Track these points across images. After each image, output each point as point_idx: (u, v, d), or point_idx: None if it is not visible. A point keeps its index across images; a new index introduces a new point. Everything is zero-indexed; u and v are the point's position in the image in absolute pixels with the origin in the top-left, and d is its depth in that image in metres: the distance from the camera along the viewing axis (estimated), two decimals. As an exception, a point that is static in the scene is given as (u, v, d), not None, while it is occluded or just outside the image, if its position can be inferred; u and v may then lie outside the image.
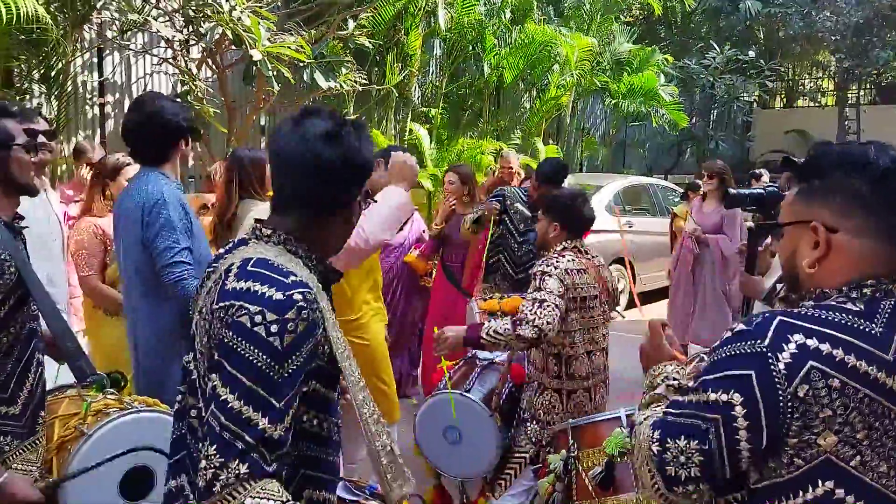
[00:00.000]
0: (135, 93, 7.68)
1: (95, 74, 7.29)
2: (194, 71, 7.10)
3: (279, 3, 7.69)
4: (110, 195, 3.32)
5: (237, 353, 1.21)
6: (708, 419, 1.17)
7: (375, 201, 1.62)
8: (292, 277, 1.27)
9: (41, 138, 1.99)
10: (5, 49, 5.38)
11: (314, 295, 1.28)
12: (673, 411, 1.23)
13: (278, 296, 1.23)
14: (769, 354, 1.14)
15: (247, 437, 1.18)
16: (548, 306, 2.51)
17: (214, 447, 1.18)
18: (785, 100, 18.12)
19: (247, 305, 1.22)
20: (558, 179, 4.31)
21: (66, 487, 1.89)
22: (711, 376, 1.20)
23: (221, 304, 1.25)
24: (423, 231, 5.19)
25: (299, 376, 1.24)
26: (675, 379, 1.43)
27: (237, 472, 1.16)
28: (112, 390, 2.13)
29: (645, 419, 1.29)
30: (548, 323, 2.48)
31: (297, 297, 1.24)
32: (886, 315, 1.18)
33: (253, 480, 1.17)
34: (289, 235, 1.36)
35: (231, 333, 1.22)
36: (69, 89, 6.61)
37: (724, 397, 1.15)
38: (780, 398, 1.13)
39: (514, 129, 10.64)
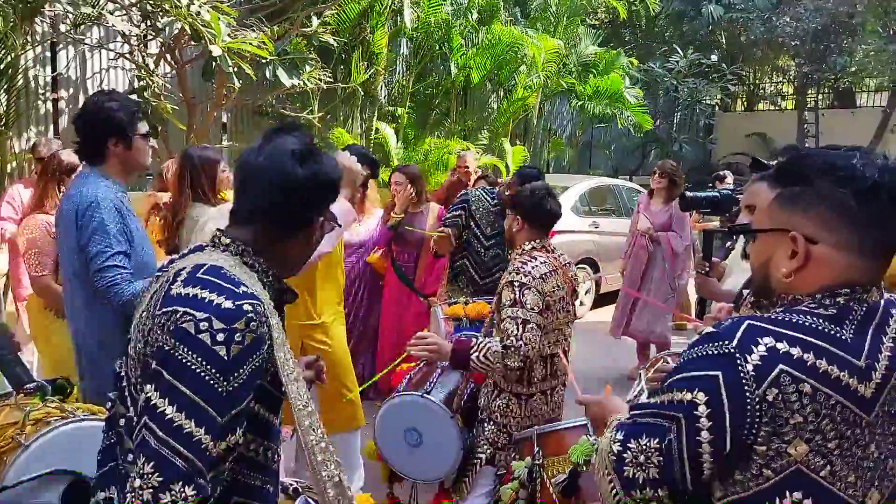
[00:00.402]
0: (90, 88, 7.45)
1: (48, 69, 7.04)
2: (152, 66, 6.90)
3: (241, -1, 7.54)
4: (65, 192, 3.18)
5: (178, 361, 1.14)
6: (670, 417, 1.13)
7: (340, 225, 1.55)
8: (243, 288, 1.21)
9: None
10: (-50, 40, 5.15)
11: (265, 309, 1.22)
12: (637, 412, 1.19)
13: (227, 304, 1.17)
14: (737, 356, 1.10)
15: (190, 457, 1.10)
16: (531, 329, 2.44)
17: (151, 464, 1.10)
18: (746, 103, 18.47)
19: (192, 312, 1.16)
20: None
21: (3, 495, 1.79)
22: (677, 377, 1.15)
23: (164, 310, 1.18)
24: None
25: (244, 393, 1.17)
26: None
27: (183, 495, 1.09)
28: (54, 398, 2.01)
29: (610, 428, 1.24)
30: (533, 348, 2.43)
31: (247, 307, 1.18)
32: (857, 321, 1.14)
33: (193, 501, 1.09)
34: (247, 247, 1.32)
35: (173, 340, 1.15)
36: (20, 83, 6.37)
37: (688, 396, 1.11)
38: (748, 401, 1.08)
39: (482, 129, 10.62)
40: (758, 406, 1.08)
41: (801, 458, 1.09)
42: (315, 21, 7.36)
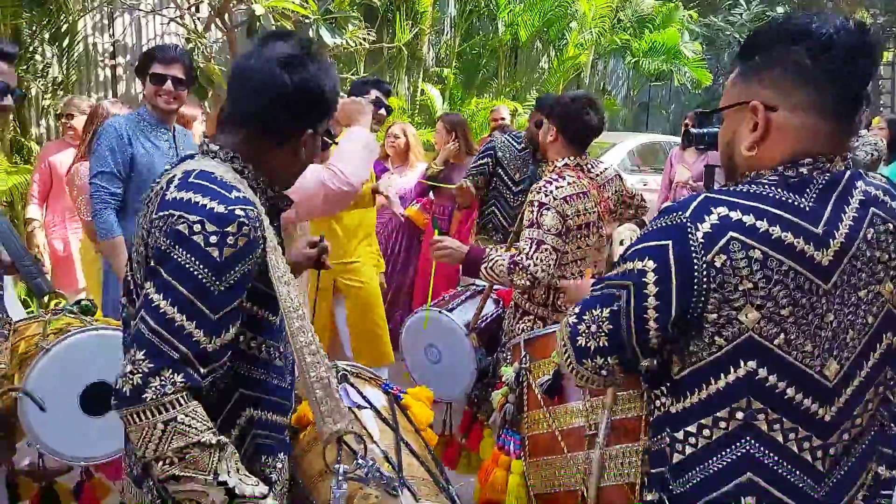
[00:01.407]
0: (146, 54, 7.71)
1: (106, 36, 7.33)
2: (201, 30, 7.10)
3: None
4: None
5: (174, 260, 1.18)
6: (620, 286, 1.16)
7: (336, 143, 1.58)
8: (235, 193, 1.24)
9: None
10: (11, 7, 5.42)
11: (257, 213, 1.25)
12: (595, 286, 1.22)
13: (220, 209, 1.20)
14: (689, 225, 1.10)
15: (181, 347, 1.16)
16: (545, 249, 2.37)
17: (143, 352, 1.15)
18: (818, 59, 17.49)
19: (186, 215, 1.19)
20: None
21: (27, 404, 1.94)
22: (632, 248, 1.18)
23: (160, 214, 1.23)
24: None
25: (238, 293, 1.22)
26: None
27: (172, 380, 1.14)
28: (74, 311, 2.18)
29: None
30: (542, 270, 2.37)
31: (239, 212, 1.21)
32: (818, 190, 1.12)
33: (188, 393, 1.15)
34: (236, 154, 1.34)
35: (168, 241, 1.19)
36: (80, 50, 6.67)
37: (639, 265, 1.13)
38: (696, 268, 1.09)
39: (531, 89, 10.47)
40: (705, 272, 1.09)
41: (753, 325, 1.09)
42: (358, -21, 7.38)
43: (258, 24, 6.33)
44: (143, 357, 1.15)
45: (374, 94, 3.32)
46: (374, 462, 1.43)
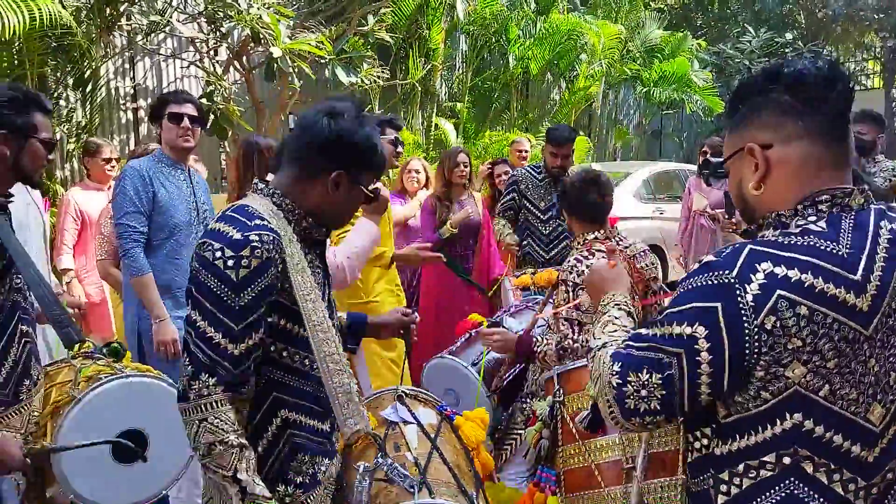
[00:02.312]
0: (166, 97, 7.88)
1: (128, 80, 7.52)
2: (220, 73, 7.27)
3: (302, 2, 7.82)
4: None
5: (201, 282, 1.41)
6: (671, 353, 1.14)
7: (377, 197, 1.69)
8: (256, 221, 1.44)
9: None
10: (38, 55, 5.59)
11: (275, 237, 1.43)
12: (634, 344, 1.20)
13: (237, 235, 1.41)
14: (737, 286, 1.10)
15: (211, 354, 1.39)
16: (587, 331, 2.38)
17: (188, 359, 1.41)
18: (829, 83, 17.51)
19: (212, 242, 1.42)
20: (569, 138, 4.41)
21: (61, 453, 1.96)
22: (676, 308, 1.16)
23: (199, 242, 1.46)
24: None
25: (256, 306, 1.41)
26: (625, 304, 1.41)
27: (207, 382, 1.38)
28: (101, 357, 2.19)
29: (603, 346, 1.27)
30: (588, 329, 2.38)
31: (254, 237, 1.41)
32: (850, 234, 1.13)
33: (223, 398, 1.38)
34: (276, 189, 1.54)
35: (197, 265, 1.43)
36: (102, 95, 6.84)
37: (689, 330, 1.12)
38: (747, 332, 1.09)
39: (543, 120, 10.56)
40: (756, 336, 1.09)
41: (799, 379, 1.09)
42: (371, 19, 7.54)
43: (276, 65, 6.48)
44: (187, 364, 1.41)
45: (391, 133, 3.38)
46: (394, 462, 1.64)
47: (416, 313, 4.68)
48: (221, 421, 1.37)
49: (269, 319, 1.46)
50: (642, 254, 2.63)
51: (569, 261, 2.52)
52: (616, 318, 1.37)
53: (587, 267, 2.43)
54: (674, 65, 11.02)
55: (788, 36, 13.91)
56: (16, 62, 5.62)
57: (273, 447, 1.50)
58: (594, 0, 11.15)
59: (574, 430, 1.77)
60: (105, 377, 2.09)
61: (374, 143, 1.56)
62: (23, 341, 1.95)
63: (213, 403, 1.38)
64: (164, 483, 2.15)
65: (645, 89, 11.38)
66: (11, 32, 4.61)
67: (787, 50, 13.59)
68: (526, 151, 5.53)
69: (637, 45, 11.37)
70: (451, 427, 1.89)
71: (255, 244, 1.40)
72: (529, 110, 10.52)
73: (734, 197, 1.29)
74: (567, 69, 10.31)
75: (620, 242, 2.62)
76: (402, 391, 1.96)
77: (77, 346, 2.27)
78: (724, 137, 1.32)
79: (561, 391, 1.86)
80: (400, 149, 3.43)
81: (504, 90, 10.10)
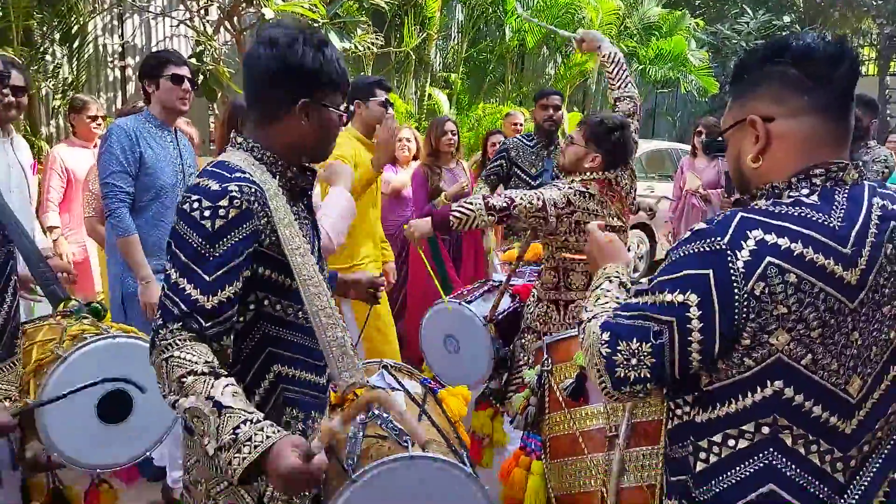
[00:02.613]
0: (155, 56, 7.75)
1: (116, 37, 7.37)
2: (211, 33, 7.13)
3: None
4: None
5: (178, 233, 1.37)
6: (661, 321, 1.14)
7: (348, 112, 1.59)
8: (237, 174, 1.39)
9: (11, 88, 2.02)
10: (24, 7, 5.46)
11: (256, 189, 1.39)
12: (624, 313, 1.20)
13: (214, 186, 1.36)
14: (728, 252, 1.10)
15: (181, 305, 1.32)
16: (533, 195, 2.45)
17: (159, 312, 1.35)
18: (824, 68, 17.47)
19: (189, 195, 1.38)
20: (555, 92, 4.49)
21: (43, 411, 1.93)
22: (668, 276, 1.16)
23: (180, 197, 1.42)
24: None
25: (232, 257, 1.36)
26: (617, 275, 1.40)
27: (172, 329, 1.31)
28: (85, 316, 2.16)
29: (593, 317, 1.27)
30: (522, 199, 2.41)
31: (232, 187, 1.36)
32: (843, 208, 1.13)
33: (184, 334, 1.31)
34: (256, 143, 1.47)
35: (177, 218, 1.38)
36: (90, 51, 6.71)
37: (680, 298, 1.12)
38: (737, 298, 1.09)
39: (538, 95, 10.47)
40: (745, 301, 1.09)
41: (783, 347, 1.10)
42: (367, -16, 7.42)
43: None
44: (158, 316, 1.35)
45: (381, 95, 3.34)
46: (389, 416, 1.57)
47: (406, 284, 4.68)
48: (188, 353, 1.28)
49: (260, 272, 1.42)
50: (631, 190, 2.71)
51: (558, 185, 2.56)
52: (607, 290, 1.36)
53: (576, 193, 2.50)
54: (670, 43, 10.93)
55: (786, 19, 13.84)
56: (0, 14, 5.48)
57: (264, 403, 1.47)
58: (594, -26, 11.00)
59: (560, 399, 1.78)
60: (90, 336, 2.06)
61: (323, 60, 1.45)
62: (14, 296, 1.92)
63: (177, 342, 1.29)
64: (147, 444, 2.13)
65: (641, 67, 11.30)
66: (-3, -18, 4.49)
67: (784, 33, 13.53)
68: (520, 125, 5.48)
69: (635, 21, 11.25)
70: (436, 399, 1.90)
71: (233, 194, 1.35)
72: (524, 84, 10.43)
73: (731, 167, 1.28)
74: (563, 43, 10.21)
75: (620, 184, 2.63)
76: (387, 363, 1.97)
77: (61, 305, 2.24)
78: (718, 118, 1.31)
79: (549, 360, 1.87)
80: (390, 110, 3.39)
81: (499, 62, 10.00)
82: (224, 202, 1.35)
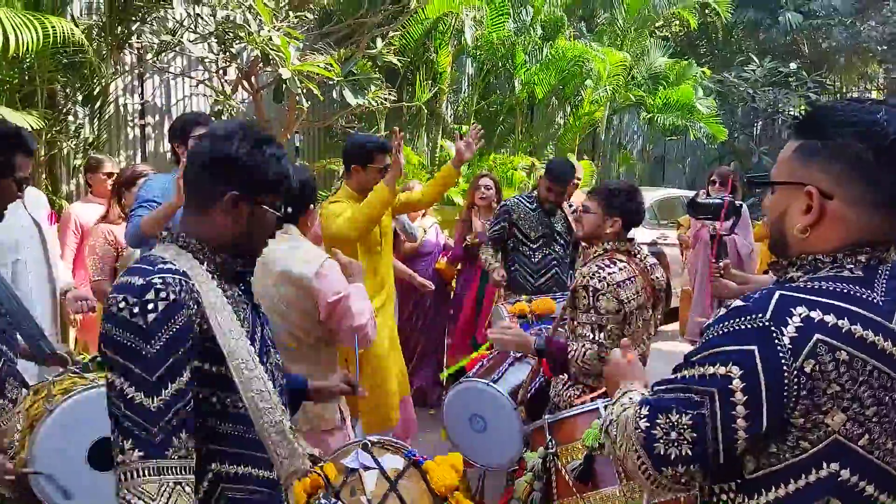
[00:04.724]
0: (174, 114, 7.94)
1: (136, 97, 7.57)
2: (229, 92, 7.31)
3: (313, 25, 7.89)
4: (125, 204, 3.47)
5: (110, 337, 1.31)
6: (702, 392, 1.09)
7: (280, 216, 1.57)
8: (160, 266, 1.36)
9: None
10: (48, 71, 5.63)
11: (181, 279, 1.35)
12: (663, 388, 1.16)
13: (139, 282, 1.33)
14: (773, 328, 1.07)
15: (126, 412, 1.27)
16: (608, 331, 2.46)
17: (113, 425, 1.29)
18: (832, 113, 17.57)
19: (115, 295, 1.33)
20: (568, 177, 4.45)
21: (37, 459, 1.94)
22: (707, 352, 1.12)
23: (106, 300, 1.37)
24: (445, 238, 5.29)
25: (172, 352, 1.30)
26: (639, 394, 1.36)
27: (124, 448, 1.26)
28: (75, 370, 2.19)
29: (626, 403, 1.24)
30: (589, 351, 2.45)
31: (156, 280, 1.33)
32: (884, 282, 1.11)
33: (137, 461, 1.25)
34: (181, 233, 1.47)
35: (105, 323, 1.33)
36: (111, 111, 6.88)
37: (722, 370, 1.08)
38: (786, 375, 1.05)
39: (548, 144, 10.60)
40: (795, 379, 1.06)
41: (839, 427, 1.06)
42: (380, 42, 7.61)
43: (284, 86, 6.51)
44: (114, 430, 1.29)
45: (381, 162, 3.44)
46: (338, 501, 1.57)
47: (425, 332, 4.74)
48: (137, 496, 1.24)
49: (197, 365, 1.36)
50: (654, 265, 2.71)
51: (590, 267, 2.55)
52: (631, 399, 1.33)
53: (609, 274, 2.49)
54: (678, 92, 11.07)
55: (792, 66, 13.99)
56: (27, 78, 5.66)
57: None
58: (600, 28, 11.25)
59: (570, 483, 1.73)
60: (79, 387, 2.08)
61: (261, 158, 1.45)
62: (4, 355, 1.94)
63: (131, 474, 1.25)
64: None
65: (649, 115, 11.43)
66: (24, 49, 4.65)
67: (790, 79, 13.67)
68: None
69: (642, 71, 11.44)
70: (420, 472, 1.84)
71: (158, 286, 1.31)
72: (534, 134, 10.56)
73: (771, 222, 1.24)
74: (572, 94, 10.37)
75: (638, 254, 2.66)
76: (369, 440, 1.95)
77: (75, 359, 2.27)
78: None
79: (553, 442, 1.81)
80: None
81: (509, 114, 10.14)
82: (150, 295, 1.30)
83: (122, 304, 1.31)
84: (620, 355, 1.48)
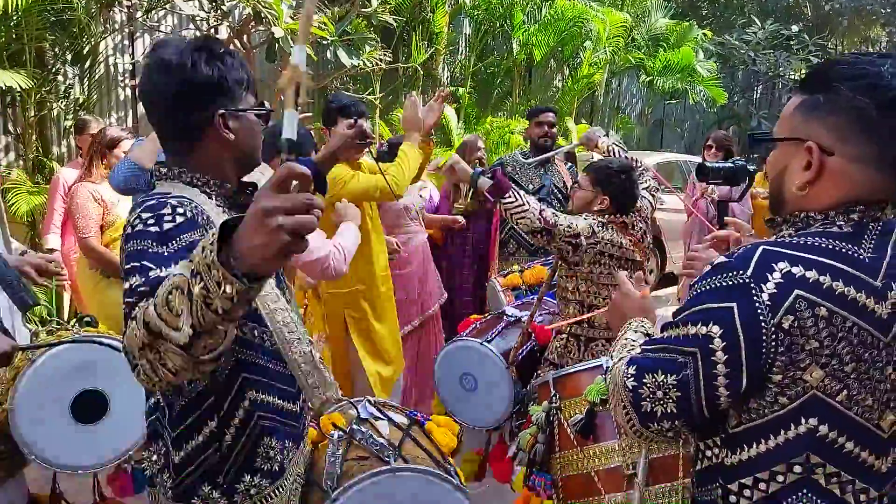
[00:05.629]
0: (165, 74, 7.80)
1: (127, 57, 7.42)
2: (221, 51, 7.18)
3: (305, -17, 7.70)
4: (107, 164, 3.45)
5: (127, 251, 1.23)
6: (685, 353, 1.12)
7: (268, 111, 1.49)
8: (172, 197, 1.31)
9: None
10: (36, 29, 5.50)
11: (196, 204, 1.31)
12: (649, 347, 1.19)
13: (153, 202, 1.28)
14: (752, 285, 1.07)
15: (143, 287, 1.15)
16: (569, 220, 2.52)
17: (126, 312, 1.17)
18: (833, 77, 17.41)
19: (130, 217, 1.29)
20: (549, 109, 4.63)
21: (17, 418, 1.96)
22: (689, 310, 1.14)
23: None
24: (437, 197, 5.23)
25: (187, 254, 1.15)
26: (642, 327, 1.38)
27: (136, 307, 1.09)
28: (58, 320, 2.20)
29: (620, 359, 1.25)
30: (562, 220, 2.48)
31: (173, 201, 1.28)
32: (874, 238, 1.10)
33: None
34: (181, 168, 1.39)
35: (124, 244, 1.26)
36: (101, 71, 6.76)
37: (703, 330, 1.10)
38: (764, 332, 1.06)
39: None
40: (773, 336, 1.06)
41: (817, 383, 1.07)
42: (375, 2, 7.45)
43: (277, 45, 6.39)
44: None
45: (343, 122, 3.32)
46: (369, 430, 1.52)
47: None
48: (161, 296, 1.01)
49: None
50: (645, 233, 2.75)
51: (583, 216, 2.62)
52: (633, 340, 1.34)
53: (599, 224, 2.55)
54: (678, 54, 10.91)
55: (794, 28, 13.80)
56: (14, 36, 5.53)
57: (241, 433, 1.37)
58: (601, -14, 11.02)
59: (571, 436, 1.75)
60: (65, 339, 2.10)
61: (223, 66, 1.35)
62: None
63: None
64: (126, 444, 2.14)
65: (649, 78, 11.29)
66: (11, 6, 4.53)
67: (792, 42, 13.49)
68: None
69: (642, 33, 11.25)
70: (423, 431, 1.85)
71: (174, 204, 1.27)
72: (532, 97, 10.43)
73: (771, 178, 1.23)
74: (571, 56, 10.22)
75: (635, 229, 2.67)
76: (369, 399, 1.93)
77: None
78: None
79: (557, 396, 1.84)
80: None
81: (507, 76, 10.00)
82: (166, 210, 1.25)
83: (136, 220, 1.25)
84: (634, 287, 1.48)
